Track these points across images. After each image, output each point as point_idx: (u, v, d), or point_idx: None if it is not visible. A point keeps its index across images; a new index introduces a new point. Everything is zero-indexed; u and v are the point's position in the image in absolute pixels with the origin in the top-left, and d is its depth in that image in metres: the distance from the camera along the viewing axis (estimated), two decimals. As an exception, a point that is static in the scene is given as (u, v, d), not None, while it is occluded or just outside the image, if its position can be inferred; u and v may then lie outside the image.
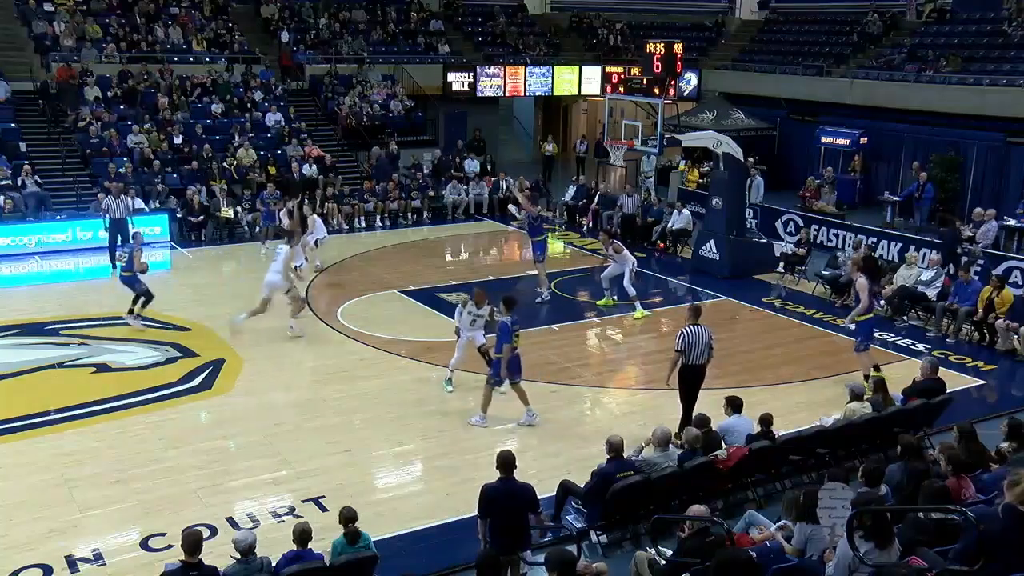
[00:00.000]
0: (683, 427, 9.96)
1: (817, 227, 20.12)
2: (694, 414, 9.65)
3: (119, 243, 17.38)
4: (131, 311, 14.12)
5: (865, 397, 10.00)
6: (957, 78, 22.74)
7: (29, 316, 14.59)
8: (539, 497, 7.56)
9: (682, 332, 10.17)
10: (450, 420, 10.97)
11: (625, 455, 8.45)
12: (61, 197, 20.48)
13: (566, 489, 8.60)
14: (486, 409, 10.76)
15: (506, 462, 7.29)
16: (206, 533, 8.22)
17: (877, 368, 11.93)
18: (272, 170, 22.34)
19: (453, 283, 16.90)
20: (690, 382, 10.21)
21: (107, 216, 17.60)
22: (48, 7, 24.99)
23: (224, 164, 21.85)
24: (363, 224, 21.70)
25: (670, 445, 8.67)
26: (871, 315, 12.11)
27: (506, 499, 7.20)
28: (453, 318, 12.10)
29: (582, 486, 8.52)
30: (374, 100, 26.14)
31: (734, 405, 9.51)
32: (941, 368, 10.84)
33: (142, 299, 14.14)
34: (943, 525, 6.40)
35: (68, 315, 14.63)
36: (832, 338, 14.35)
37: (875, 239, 19.02)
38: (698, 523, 6.82)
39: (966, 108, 21.87)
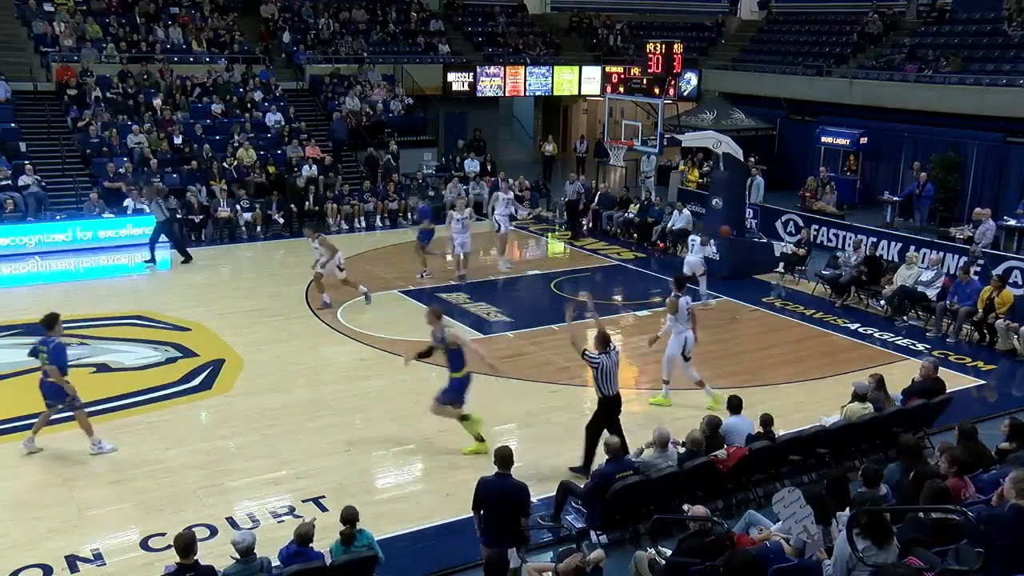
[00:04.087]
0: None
1: (817, 227, 20.12)
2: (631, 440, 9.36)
3: None
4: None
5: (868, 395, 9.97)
6: (957, 78, 22.73)
7: (29, 316, 14.56)
8: (540, 497, 7.56)
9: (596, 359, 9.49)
10: (450, 420, 10.94)
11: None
12: (61, 197, 20.49)
13: (566, 489, 8.61)
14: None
15: (503, 457, 7.30)
16: (206, 533, 8.25)
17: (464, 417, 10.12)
18: (272, 169, 22.34)
19: (453, 283, 16.88)
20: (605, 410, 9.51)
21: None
22: (48, 7, 25.00)
23: (224, 164, 21.86)
24: (363, 224, 21.70)
25: (669, 446, 8.67)
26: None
27: (497, 495, 7.20)
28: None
29: (582, 486, 8.53)
30: (374, 100, 26.13)
31: (733, 405, 9.51)
32: (941, 368, 10.83)
33: None
34: (942, 525, 6.40)
35: (68, 315, 14.56)
36: (832, 338, 14.35)
37: (875, 239, 19.03)
38: (698, 523, 6.82)
39: (966, 108, 21.86)
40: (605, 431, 9.19)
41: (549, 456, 9.97)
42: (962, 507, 6.46)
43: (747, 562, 5.90)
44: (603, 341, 9.57)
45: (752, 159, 22.26)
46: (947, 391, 10.40)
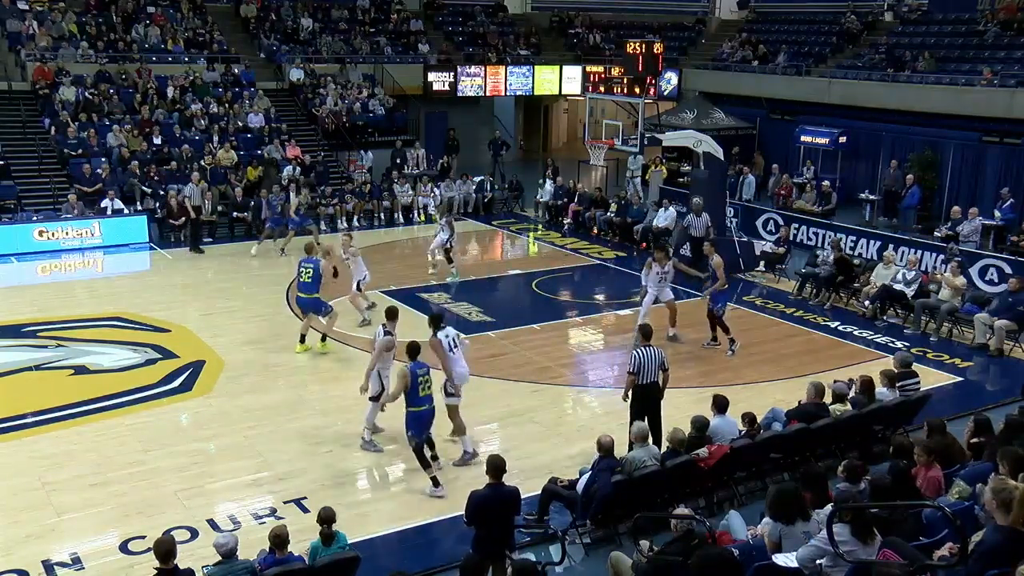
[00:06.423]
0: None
1: (797, 226, 20.23)
2: (665, 429, 9.44)
3: None
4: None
5: (848, 397, 10.02)
6: (934, 78, 22.96)
7: (5, 318, 14.43)
8: (523, 496, 7.56)
9: (635, 354, 9.86)
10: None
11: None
12: (37, 198, 20.26)
13: (550, 492, 8.58)
14: None
15: (497, 467, 7.25)
16: (186, 536, 8.19)
17: None
18: (251, 171, 22.16)
19: (435, 283, 16.86)
20: (641, 402, 9.91)
21: None
22: (23, 5, 24.71)
23: (202, 163, 21.69)
24: (345, 224, 21.61)
25: (650, 440, 8.69)
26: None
27: (496, 506, 7.16)
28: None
29: (566, 485, 8.52)
30: (353, 101, 25.97)
31: (720, 405, 9.40)
32: (919, 364, 10.88)
33: None
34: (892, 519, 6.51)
35: (46, 317, 14.48)
36: (813, 336, 14.44)
37: (855, 238, 19.18)
38: (683, 526, 6.81)
39: (942, 108, 22.07)
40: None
41: (531, 455, 9.97)
42: (938, 502, 6.52)
43: (719, 558, 5.88)
44: (646, 335, 10.17)
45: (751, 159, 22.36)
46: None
